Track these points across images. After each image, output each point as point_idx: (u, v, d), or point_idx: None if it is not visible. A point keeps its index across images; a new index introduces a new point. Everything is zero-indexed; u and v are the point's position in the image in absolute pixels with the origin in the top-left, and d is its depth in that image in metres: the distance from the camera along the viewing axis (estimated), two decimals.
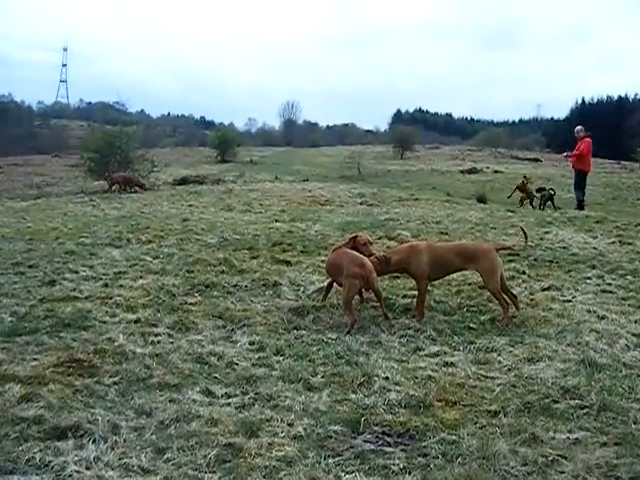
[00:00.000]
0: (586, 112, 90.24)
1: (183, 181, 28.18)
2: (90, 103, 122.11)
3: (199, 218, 14.98)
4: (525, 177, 21.75)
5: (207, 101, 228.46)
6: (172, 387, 5.49)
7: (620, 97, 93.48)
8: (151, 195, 21.65)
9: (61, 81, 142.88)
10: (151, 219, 14.81)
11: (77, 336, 6.61)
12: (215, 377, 5.74)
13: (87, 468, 4.07)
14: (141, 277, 9.02)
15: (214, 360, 6.13)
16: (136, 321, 7.19)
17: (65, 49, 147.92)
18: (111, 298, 7.97)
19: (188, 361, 6.09)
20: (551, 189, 19.92)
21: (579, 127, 20.54)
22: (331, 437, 4.64)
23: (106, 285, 8.63)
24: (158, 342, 6.56)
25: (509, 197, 20.85)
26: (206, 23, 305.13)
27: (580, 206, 19.19)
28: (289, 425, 4.80)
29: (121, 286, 8.56)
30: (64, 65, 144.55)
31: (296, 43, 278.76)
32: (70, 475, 3.99)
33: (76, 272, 9.22)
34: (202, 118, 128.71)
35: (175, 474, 4.08)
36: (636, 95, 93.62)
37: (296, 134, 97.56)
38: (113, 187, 24.13)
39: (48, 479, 3.97)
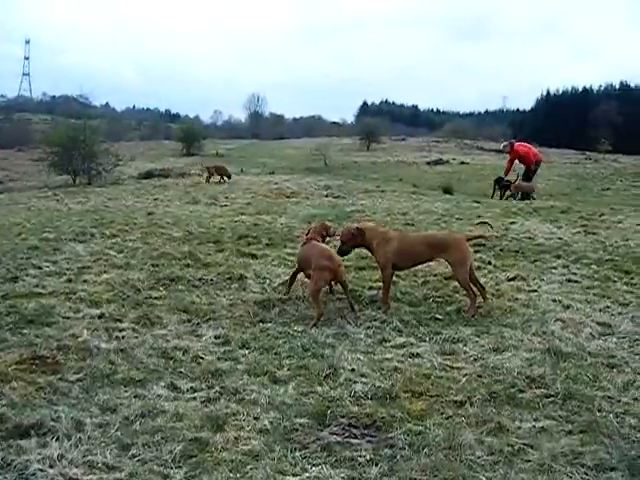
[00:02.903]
0: (551, 103, 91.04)
1: (148, 175, 27.98)
2: (54, 97, 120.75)
3: (164, 212, 14.89)
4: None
5: (172, 94, 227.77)
6: (137, 382, 5.44)
7: (585, 88, 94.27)
8: (116, 189, 21.47)
9: (24, 74, 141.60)
10: (116, 213, 14.67)
11: (40, 332, 6.51)
12: (180, 372, 5.71)
13: (51, 466, 4.03)
14: (105, 272, 8.92)
15: (179, 354, 6.09)
16: (100, 316, 7.10)
17: (28, 41, 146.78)
18: (75, 293, 7.87)
19: (153, 356, 6.04)
20: (507, 180, 20.14)
21: (503, 143, 21.61)
22: (297, 430, 4.63)
23: (70, 280, 8.53)
24: (123, 337, 6.50)
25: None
26: (171, 14, 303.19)
27: (528, 196, 19.50)
28: (255, 419, 4.79)
29: (85, 281, 8.47)
30: (27, 58, 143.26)
31: (262, 35, 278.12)
32: (33, 474, 3.94)
33: (39, 268, 9.09)
34: (167, 111, 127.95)
35: (140, 470, 4.05)
36: (600, 86, 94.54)
37: (262, 127, 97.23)
38: (210, 177, 23.76)
39: (11, 478, 3.91)
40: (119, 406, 4.95)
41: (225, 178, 23.56)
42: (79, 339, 6.32)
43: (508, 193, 19.77)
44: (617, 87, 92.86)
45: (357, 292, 8.11)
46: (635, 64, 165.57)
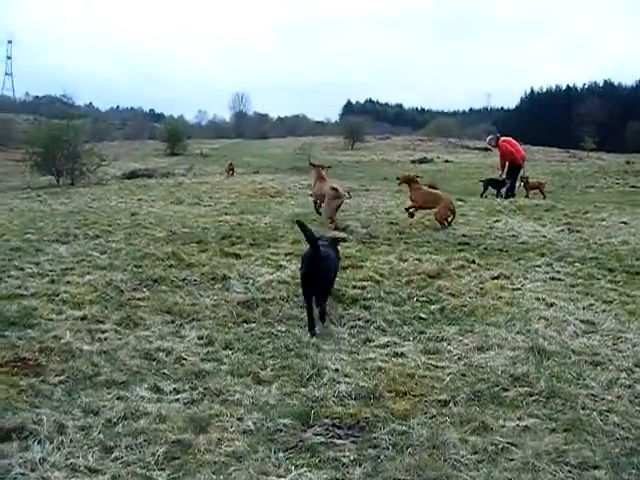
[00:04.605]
0: (535, 101, 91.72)
1: (132, 175, 28.06)
2: (37, 97, 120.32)
3: (148, 212, 14.84)
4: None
5: (156, 94, 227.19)
6: (120, 384, 5.41)
7: (569, 87, 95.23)
8: (99, 189, 21.43)
9: (6, 74, 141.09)
10: (99, 214, 14.60)
11: (22, 334, 6.45)
12: (163, 373, 5.68)
13: (32, 470, 3.98)
14: (88, 273, 8.85)
15: (162, 356, 6.05)
16: (83, 318, 7.04)
17: (10, 41, 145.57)
18: (57, 295, 7.81)
19: (136, 357, 6.00)
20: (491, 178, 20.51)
21: (489, 136, 21.49)
22: (281, 431, 4.62)
23: (52, 282, 8.46)
24: (105, 339, 6.45)
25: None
26: (154, 14, 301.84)
27: (511, 194, 19.61)
28: (238, 420, 4.77)
29: (68, 282, 8.40)
30: (9, 58, 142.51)
31: (246, 34, 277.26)
32: (15, 478, 3.90)
33: (21, 269, 9.01)
34: (151, 111, 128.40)
35: (123, 472, 4.02)
36: (584, 85, 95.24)
37: (246, 126, 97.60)
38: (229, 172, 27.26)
39: None
40: (101, 408, 4.91)
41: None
42: (61, 341, 6.26)
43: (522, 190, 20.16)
44: (601, 85, 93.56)
45: (340, 292, 8.09)
46: (620, 62, 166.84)
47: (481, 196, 19.84)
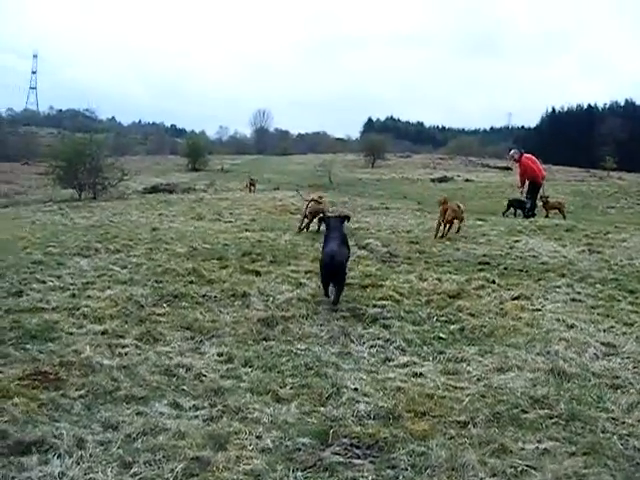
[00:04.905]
0: (556, 120, 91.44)
1: (153, 189, 28.15)
2: (60, 110, 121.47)
3: (168, 227, 14.92)
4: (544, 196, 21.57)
5: (178, 109, 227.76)
6: (139, 400, 5.42)
7: (590, 106, 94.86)
8: (121, 204, 21.53)
9: (31, 88, 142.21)
10: (120, 228, 14.70)
11: (43, 348, 6.50)
12: (183, 389, 5.68)
13: None
14: (109, 287, 8.90)
15: (182, 372, 6.06)
16: (103, 332, 7.08)
17: (35, 56, 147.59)
18: (78, 309, 7.86)
19: (156, 373, 6.01)
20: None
21: (513, 150, 21.09)
22: (300, 450, 4.60)
23: (74, 296, 8.52)
24: (125, 354, 6.47)
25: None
26: (177, 30, 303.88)
27: (531, 213, 19.43)
28: (257, 438, 4.76)
29: (89, 297, 8.45)
30: (34, 72, 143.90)
31: (269, 50, 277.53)
32: None
33: (43, 282, 9.08)
34: (173, 126, 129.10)
35: None
36: (605, 104, 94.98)
37: (267, 142, 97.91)
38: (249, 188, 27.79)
39: None
40: (121, 423, 4.92)
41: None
42: (82, 355, 6.29)
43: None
44: (622, 105, 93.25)
45: (361, 310, 8.09)
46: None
47: (503, 215, 19.76)
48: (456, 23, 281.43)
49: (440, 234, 13.80)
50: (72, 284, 9.07)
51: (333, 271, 8.35)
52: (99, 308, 7.93)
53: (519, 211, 20.03)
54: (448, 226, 13.89)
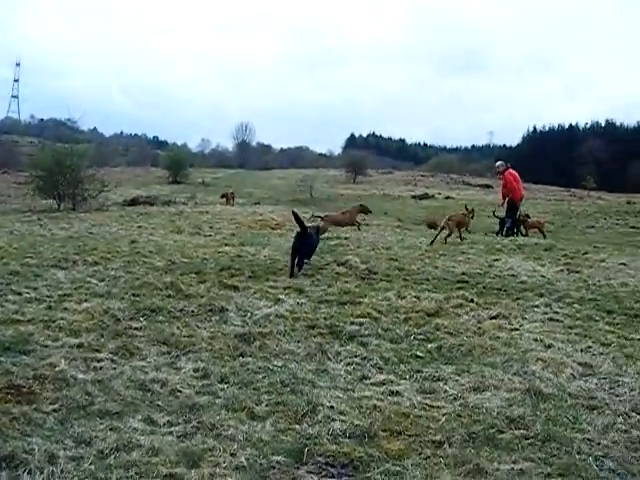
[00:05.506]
0: (537, 140, 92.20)
1: (133, 202, 28.16)
2: (42, 120, 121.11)
3: (147, 240, 14.89)
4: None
5: (161, 120, 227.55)
6: (113, 415, 5.35)
7: (571, 125, 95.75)
8: (100, 215, 21.49)
9: (12, 96, 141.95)
10: (99, 240, 14.66)
11: (17, 361, 6.40)
12: (158, 405, 5.62)
13: None
14: (86, 300, 8.83)
15: (157, 387, 5.99)
16: (79, 346, 7.00)
17: (18, 64, 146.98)
18: (54, 321, 7.77)
19: (130, 388, 5.95)
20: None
21: (499, 162, 21.29)
22: (274, 468, 4.56)
23: (50, 308, 8.44)
24: (100, 368, 6.39)
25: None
26: (161, 41, 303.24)
27: (511, 232, 19.60)
28: (232, 455, 4.71)
29: (65, 309, 8.38)
30: (16, 80, 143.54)
31: (252, 64, 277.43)
32: None
33: (19, 294, 9.01)
34: (155, 138, 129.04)
35: None
36: (586, 124, 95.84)
37: (249, 156, 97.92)
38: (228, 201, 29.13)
39: None
40: (94, 439, 4.85)
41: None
42: (56, 369, 6.21)
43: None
44: (603, 125, 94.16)
45: (338, 327, 8.07)
46: (625, 102, 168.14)
47: (496, 234, 19.99)
48: (440, 41, 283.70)
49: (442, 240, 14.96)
50: (48, 296, 9.00)
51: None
52: (75, 321, 7.85)
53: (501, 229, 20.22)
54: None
